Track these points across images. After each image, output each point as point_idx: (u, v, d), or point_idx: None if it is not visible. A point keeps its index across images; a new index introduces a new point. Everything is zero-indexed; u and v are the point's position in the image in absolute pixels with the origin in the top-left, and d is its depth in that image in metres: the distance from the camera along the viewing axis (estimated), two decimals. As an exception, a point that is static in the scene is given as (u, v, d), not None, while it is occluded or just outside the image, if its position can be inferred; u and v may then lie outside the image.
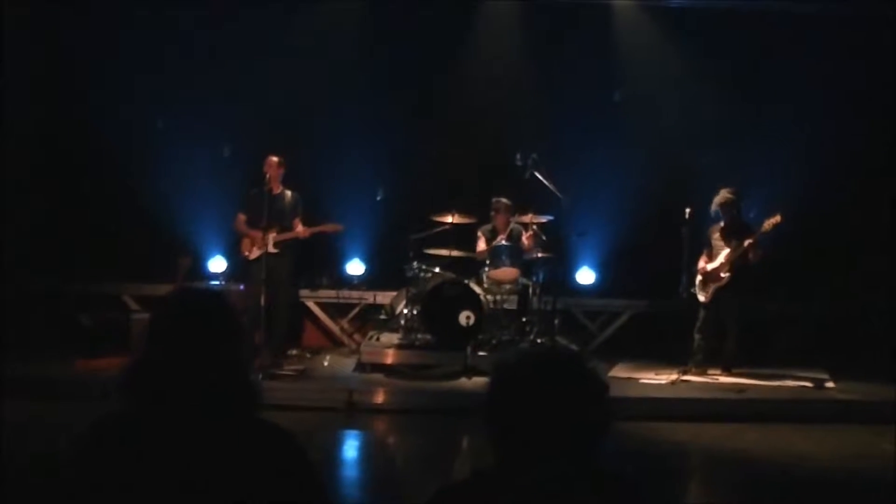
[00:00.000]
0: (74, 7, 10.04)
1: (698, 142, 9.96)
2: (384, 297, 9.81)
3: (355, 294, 10.18)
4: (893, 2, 9.50)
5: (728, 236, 8.51)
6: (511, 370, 1.92)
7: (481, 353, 8.50)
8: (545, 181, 8.83)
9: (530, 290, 9.12)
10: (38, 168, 10.07)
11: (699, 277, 8.67)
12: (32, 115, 9.97)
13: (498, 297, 9.05)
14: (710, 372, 8.61)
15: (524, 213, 9.09)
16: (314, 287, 10.18)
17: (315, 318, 10.24)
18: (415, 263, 8.91)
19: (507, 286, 9.03)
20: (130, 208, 10.00)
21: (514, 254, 8.89)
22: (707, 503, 5.97)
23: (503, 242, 9.03)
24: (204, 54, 9.92)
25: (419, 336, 8.81)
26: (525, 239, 9.13)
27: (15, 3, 9.57)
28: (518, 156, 8.91)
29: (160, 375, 2.02)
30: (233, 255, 9.65)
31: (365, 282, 10.38)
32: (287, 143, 9.23)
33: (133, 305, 9.70)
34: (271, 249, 8.54)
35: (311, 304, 10.17)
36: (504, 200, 9.17)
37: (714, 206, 8.59)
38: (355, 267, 10.50)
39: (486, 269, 8.90)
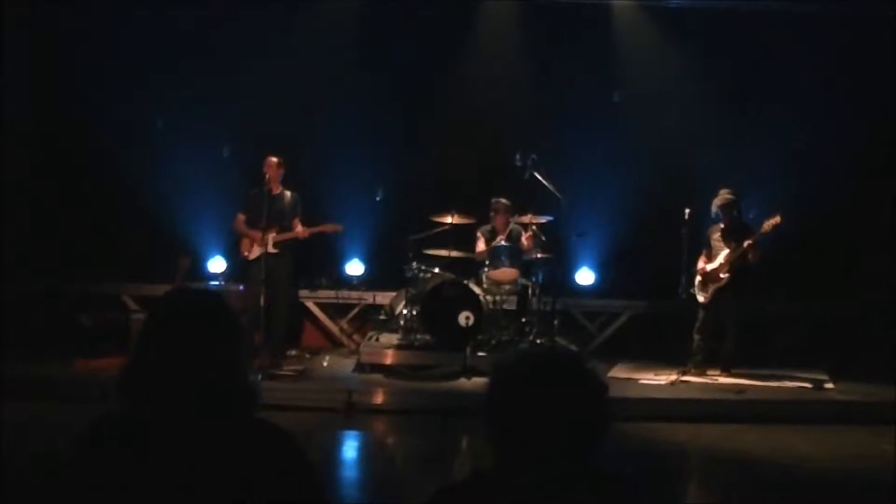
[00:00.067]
0: (74, 7, 10.04)
1: (698, 142, 9.95)
2: (384, 298, 9.81)
3: (355, 294, 10.17)
4: (893, 2, 9.50)
5: (728, 237, 8.51)
6: (510, 371, 1.92)
7: (481, 354, 8.50)
8: (545, 181, 8.83)
9: (530, 291, 9.11)
10: (38, 168, 10.08)
11: (698, 278, 8.67)
12: (32, 115, 9.97)
13: (497, 298, 9.04)
14: (709, 372, 8.61)
15: (523, 213, 9.08)
16: (314, 287, 10.18)
17: (314, 319, 10.24)
18: (414, 264, 8.91)
19: (507, 287, 9.02)
20: (130, 208, 10.00)
21: (514, 254, 8.89)
22: (706, 504, 5.98)
23: (502, 243, 9.03)
24: (204, 54, 9.91)
25: (418, 336, 8.81)
26: (524, 239, 9.13)
27: (15, 3, 9.57)
28: (518, 156, 8.91)
29: (157, 376, 2.02)
30: (232, 255, 9.65)
31: (364, 282, 10.37)
32: (287, 143, 9.23)
33: (133, 305, 9.69)
34: (271, 249, 8.54)
35: (310, 305, 10.17)
36: (503, 201, 9.16)
37: (714, 207, 8.59)
38: (355, 267, 10.50)
39: (486, 269, 8.90)
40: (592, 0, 10.37)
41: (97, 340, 8.57)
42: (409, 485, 6.06)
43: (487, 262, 8.91)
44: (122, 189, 9.97)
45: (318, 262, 10.16)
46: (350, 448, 7.40)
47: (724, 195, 8.55)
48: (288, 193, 8.85)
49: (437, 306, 8.60)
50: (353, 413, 7.59)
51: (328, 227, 8.97)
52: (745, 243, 8.30)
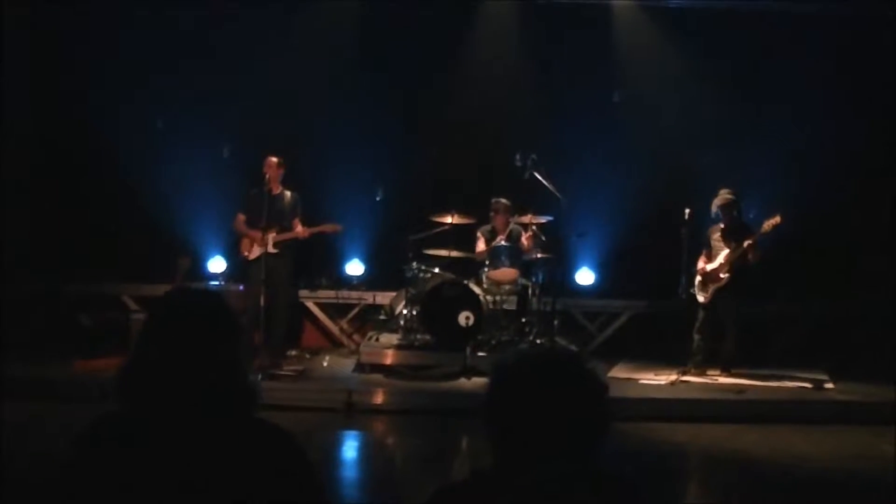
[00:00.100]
0: (74, 7, 10.04)
1: (698, 142, 9.96)
2: (384, 298, 9.81)
3: (355, 294, 10.17)
4: (893, 2, 9.51)
5: (728, 237, 8.51)
6: (510, 371, 1.92)
7: (480, 354, 8.50)
8: (544, 182, 8.83)
9: (530, 291, 9.11)
10: (38, 168, 10.07)
11: (698, 278, 8.67)
12: (32, 115, 9.97)
13: (497, 298, 9.04)
14: (709, 372, 8.61)
15: (523, 213, 9.08)
16: (314, 287, 10.18)
17: (314, 319, 10.24)
18: (414, 264, 8.91)
19: (507, 287, 9.02)
20: (130, 208, 10.00)
21: (514, 254, 8.89)
22: (706, 504, 5.98)
23: (502, 243, 9.03)
24: (204, 54, 9.91)
25: (418, 336, 8.81)
26: (524, 239, 9.13)
27: (15, 3, 9.57)
28: (518, 156, 8.91)
29: (156, 376, 2.02)
30: (232, 255, 9.65)
31: (364, 282, 10.38)
32: (287, 143, 9.23)
33: (132, 306, 9.69)
34: (271, 250, 8.54)
35: (310, 305, 10.17)
36: (503, 201, 9.16)
37: (714, 207, 8.59)
38: (355, 267, 10.51)
39: (486, 269, 8.90)
40: (592, 0, 10.37)
41: (97, 340, 8.57)
42: (409, 485, 6.06)
43: (487, 262, 8.91)
44: (122, 189, 9.97)
45: (318, 262, 10.16)
46: (350, 448, 7.40)
47: (724, 195, 8.55)
48: (288, 193, 8.85)
49: (437, 306, 8.60)
50: (353, 413, 7.59)
51: (328, 227, 8.97)
52: (745, 243, 8.30)
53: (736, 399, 8.02)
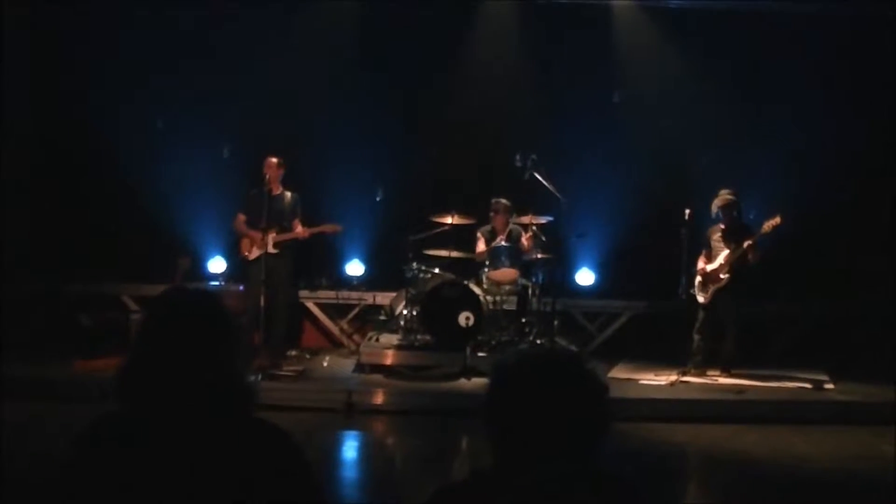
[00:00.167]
0: (74, 7, 10.04)
1: (698, 142, 9.96)
2: (384, 298, 9.81)
3: (355, 295, 10.17)
4: (893, 2, 9.51)
5: (728, 237, 8.51)
6: (510, 371, 1.92)
7: (481, 354, 8.50)
8: (545, 182, 8.83)
9: (530, 291, 9.11)
10: (38, 168, 10.07)
11: (698, 278, 8.67)
12: (32, 115, 9.97)
13: (497, 298, 9.04)
14: (709, 373, 8.61)
15: (523, 213, 9.09)
16: (314, 288, 10.18)
17: (314, 319, 10.24)
18: (414, 264, 8.91)
19: (507, 287, 9.02)
20: (130, 208, 10.00)
21: (514, 255, 8.89)
22: (706, 504, 5.97)
23: (502, 243, 9.02)
24: (204, 54, 9.91)
25: (418, 337, 8.81)
26: (524, 240, 9.13)
27: (15, 3, 9.57)
28: (518, 157, 8.91)
29: (153, 376, 2.02)
30: (232, 255, 9.64)
31: (364, 282, 10.37)
32: (287, 143, 9.23)
33: (132, 306, 9.69)
34: (271, 250, 8.54)
35: (310, 305, 10.17)
36: (503, 201, 9.16)
37: (714, 208, 8.58)
38: (355, 268, 10.51)
39: (486, 269, 8.90)
40: (592, 0, 10.37)
41: (97, 340, 8.56)
42: (409, 485, 6.06)
43: (487, 263, 8.91)
44: (122, 189, 9.97)
45: (318, 262, 10.16)
46: (350, 448, 7.39)
47: (724, 195, 8.55)
48: (288, 194, 8.85)
49: (437, 307, 8.59)
50: (352, 413, 7.58)
51: (328, 228, 8.97)
52: (745, 244, 8.30)
53: (736, 399, 8.02)
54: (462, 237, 9.21)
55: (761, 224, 8.22)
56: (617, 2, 10.44)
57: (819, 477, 6.26)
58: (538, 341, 8.80)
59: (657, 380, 8.52)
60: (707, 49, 10.09)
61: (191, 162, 9.85)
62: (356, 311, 10.18)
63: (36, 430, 6.47)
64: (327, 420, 7.43)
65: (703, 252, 8.71)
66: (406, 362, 8.69)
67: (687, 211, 8.52)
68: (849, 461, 6.59)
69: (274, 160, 8.65)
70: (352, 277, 10.47)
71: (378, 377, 8.47)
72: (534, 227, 9.03)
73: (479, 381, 8.07)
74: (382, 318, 9.66)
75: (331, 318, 10.22)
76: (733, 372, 8.64)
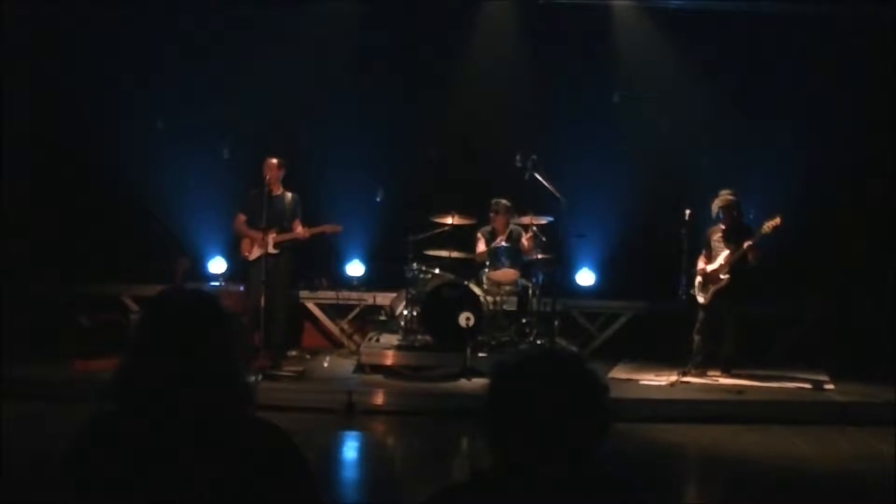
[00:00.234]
0: (74, 7, 10.03)
1: (698, 142, 9.96)
2: (384, 299, 9.81)
3: (355, 295, 10.17)
4: (893, 2, 9.50)
5: (728, 238, 8.51)
6: (510, 371, 1.92)
7: (481, 355, 8.49)
8: (545, 182, 8.83)
9: (530, 292, 9.11)
10: (38, 168, 10.07)
11: (698, 279, 8.67)
12: (32, 115, 9.96)
13: (497, 299, 9.04)
14: (709, 373, 8.61)
15: (524, 214, 9.09)
16: (314, 288, 10.18)
17: (315, 319, 10.24)
18: (414, 265, 8.90)
19: (507, 287, 9.03)
20: (130, 209, 9.99)
21: (514, 255, 8.88)
22: (706, 504, 5.97)
23: (503, 244, 9.02)
24: (204, 54, 9.91)
25: (419, 337, 8.80)
26: (524, 240, 9.13)
27: (15, 3, 9.57)
28: (518, 157, 8.90)
29: (148, 377, 2.02)
30: (233, 255, 9.64)
31: (364, 283, 10.37)
32: (287, 143, 9.23)
33: (133, 306, 9.69)
34: (271, 250, 8.54)
35: (310, 306, 10.17)
36: (503, 202, 9.16)
37: (715, 208, 8.58)
38: (355, 268, 10.50)
39: (486, 270, 8.90)
40: (592, 0, 10.37)
41: (97, 341, 8.55)
42: (409, 485, 6.06)
43: (487, 263, 8.91)
44: (122, 189, 9.95)
45: (318, 262, 10.15)
46: (350, 449, 7.39)
47: (724, 196, 8.55)
48: (289, 195, 8.85)
49: (438, 307, 8.59)
50: (353, 414, 7.59)
51: (328, 228, 8.97)
52: (745, 245, 8.30)
53: (736, 399, 8.02)
54: (462, 238, 9.20)
55: (761, 224, 8.22)
56: (617, 2, 10.44)
57: (819, 477, 6.26)
58: (538, 342, 8.81)
59: (657, 380, 8.52)
60: (707, 49, 10.08)
61: (191, 162, 9.85)
62: (356, 311, 10.17)
63: (35, 430, 6.46)
64: (327, 420, 7.43)
65: (703, 252, 8.71)
66: (406, 363, 8.69)
67: (687, 211, 8.52)
68: (848, 461, 6.59)
69: (274, 161, 8.65)
70: (352, 278, 10.46)
71: (378, 377, 8.47)
72: (534, 228, 9.03)
73: (479, 382, 8.07)
74: (382, 318, 9.66)
75: (331, 318, 10.22)
76: (733, 372, 8.64)
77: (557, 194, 8.84)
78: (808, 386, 8.56)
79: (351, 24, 10.22)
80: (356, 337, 10.08)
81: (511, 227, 9.23)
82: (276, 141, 9.20)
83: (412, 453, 7.09)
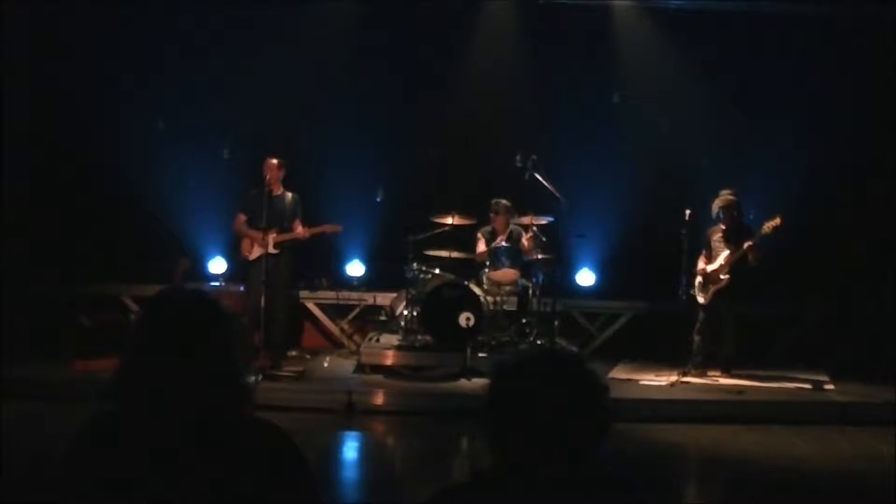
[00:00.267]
0: (74, 7, 10.03)
1: (698, 142, 9.96)
2: (384, 299, 9.81)
3: (355, 295, 10.17)
4: (893, 2, 9.51)
5: (729, 238, 8.51)
6: (510, 371, 1.92)
7: (481, 355, 8.49)
8: (545, 183, 8.83)
9: (530, 292, 9.12)
10: (38, 168, 10.07)
11: (698, 279, 8.67)
12: (32, 115, 9.96)
13: (498, 299, 9.04)
14: (709, 373, 8.61)
15: (524, 214, 9.09)
16: (314, 288, 10.18)
17: (315, 320, 10.24)
18: (415, 265, 8.90)
19: (507, 287, 9.03)
20: (130, 209, 9.99)
21: (514, 255, 8.88)
22: (706, 504, 5.97)
23: (503, 244, 9.02)
24: (204, 54, 9.91)
25: (419, 337, 8.80)
26: (525, 240, 9.13)
27: (15, 3, 9.57)
28: (518, 157, 8.90)
29: (147, 376, 2.02)
30: (233, 255, 9.64)
31: (365, 283, 10.37)
32: (287, 143, 9.22)
33: (133, 306, 9.69)
34: (271, 250, 8.54)
35: (310, 306, 10.17)
36: (503, 202, 9.16)
37: (715, 208, 8.58)
38: (355, 268, 10.50)
39: (486, 270, 8.90)
40: (592, 0, 10.37)
41: (97, 341, 8.55)
42: (409, 485, 6.06)
43: (488, 263, 8.91)
44: (123, 189, 9.95)
45: (318, 262, 10.15)
46: (350, 449, 7.39)
47: (724, 196, 8.55)
48: (289, 195, 8.85)
49: (438, 307, 8.59)
50: (353, 414, 7.59)
51: (328, 228, 8.97)
52: (745, 245, 8.30)
53: (736, 400, 8.02)
54: (462, 238, 9.21)
55: (761, 225, 8.22)
56: (617, 2, 10.44)
57: (819, 477, 6.26)
58: (538, 342, 8.81)
59: (657, 380, 8.52)
60: (707, 49, 10.08)
61: (191, 162, 9.85)
62: (356, 311, 10.17)
63: (35, 430, 6.46)
64: (328, 420, 7.43)
65: (703, 252, 8.71)
66: (406, 363, 8.69)
67: (687, 211, 8.52)
68: (848, 462, 6.59)
69: (274, 161, 8.65)
70: (352, 278, 10.46)
71: (378, 377, 8.47)
72: (534, 228, 9.03)
73: (479, 382, 8.07)
74: (383, 318, 9.66)
75: (331, 318, 10.22)
76: (733, 372, 8.65)
77: (557, 194, 8.84)
78: (808, 386, 8.56)
79: (351, 24, 10.22)
80: (356, 337, 10.08)
81: (511, 227, 9.23)
82: (276, 141, 9.20)
83: (412, 453, 7.09)
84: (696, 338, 8.68)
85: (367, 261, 10.47)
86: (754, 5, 10.15)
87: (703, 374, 8.57)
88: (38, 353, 8.56)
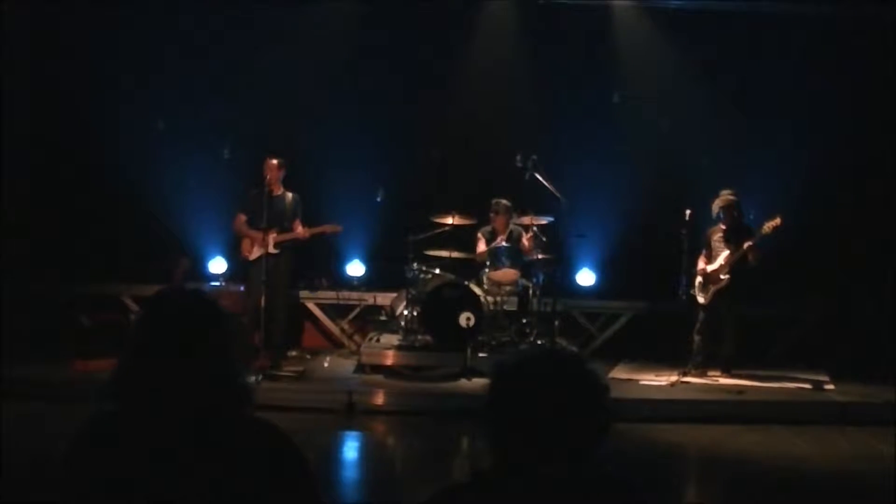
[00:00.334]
0: (74, 7, 10.03)
1: (698, 142, 9.96)
2: (384, 299, 9.81)
3: (355, 295, 10.16)
4: (893, 2, 9.51)
5: (729, 238, 8.51)
6: (511, 371, 1.92)
7: (481, 355, 8.49)
8: (545, 183, 8.83)
9: (530, 292, 9.12)
10: (38, 168, 10.07)
11: (698, 279, 8.67)
12: (32, 115, 9.97)
13: (498, 299, 9.04)
14: (709, 373, 8.61)
15: (524, 214, 9.09)
16: (314, 288, 10.18)
17: (315, 320, 10.24)
18: (415, 265, 8.90)
19: (507, 287, 9.03)
20: (130, 209, 9.99)
21: (514, 255, 8.88)
22: (706, 504, 5.97)
23: (503, 244, 9.02)
24: (204, 54, 9.91)
25: (419, 337, 8.80)
26: (525, 240, 9.13)
27: (15, 3, 9.57)
28: (518, 157, 8.91)
29: (145, 377, 2.02)
30: (233, 255, 9.64)
31: (365, 283, 10.37)
32: (287, 143, 9.22)
33: (133, 306, 9.69)
34: (271, 250, 8.54)
35: (311, 306, 10.17)
36: (504, 202, 9.16)
37: (716, 208, 8.59)
38: (355, 268, 10.50)
39: (486, 270, 8.89)
40: (592, 0, 10.37)
41: (97, 341, 8.55)
42: (409, 485, 6.06)
43: (488, 263, 8.91)
44: (123, 189, 9.95)
45: (318, 262, 10.15)
46: (350, 449, 7.39)
47: (725, 196, 8.55)
48: (289, 195, 8.85)
49: (438, 307, 8.59)
50: (353, 414, 7.59)
51: (328, 228, 8.97)
52: (746, 245, 8.30)
53: (736, 399, 8.02)
54: (462, 238, 9.20)
55: (761, 225, 8.22)
56: (617, 2, 10.44)
57: (819, 477, 6.26)
58: (539, 342, 8.81)
59: (657, 380, 8.52)
60: (707, 49, 10.08)
61: (191, 162, 9.85)
62: (357, 311, 10.17)
63: (35, 430, 6.46)
64: (328, 420, 7.43)
65: (703, 252, 8.71)
66: (406, 363, 8.69)
67: (687, 211, 8.52)
68: (848, 462, 6.59)
69: (274, 162, 8.65)
70: (352, 278, 10.46)
71: (378, 378, 8.47)
72: (534, 228, 9.04)
73: (479, 382, 8.07)
74: (383, 318, 9.66)
75: (331, 318, 10.22)
76: (733, 372, 8.65)
77: (558, 194, 8.84)
78: (808, 386, 8.56)
79: (351, 24, 10.22)
80: (356, 337, 10.08)
81: (511, 227, 9.23)
82: (276, 141, 9.20)
83: (412, 453, 7.09)
84: (697, 338, 8.68)
85: (368, 261, 10.47)
86: (754, 5, 10.15)
87: (703, 374, 8.57)
88: (38, 353, 8.56)
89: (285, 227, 8.72)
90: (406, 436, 7.43)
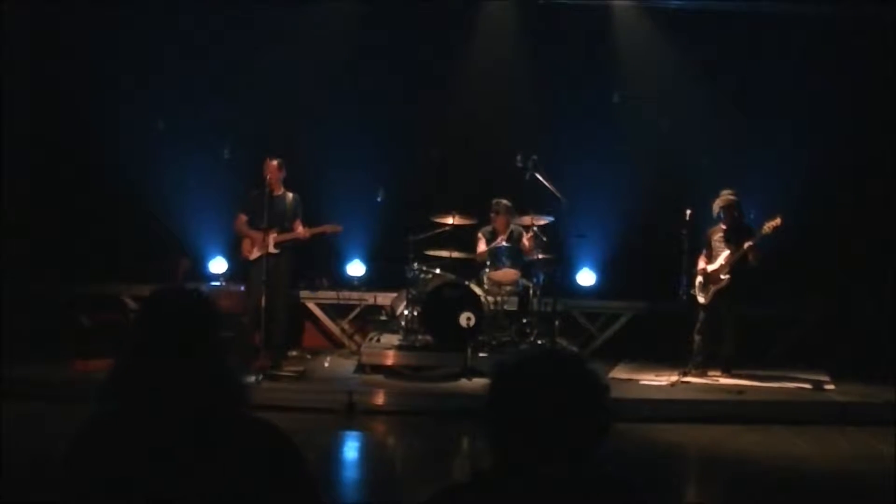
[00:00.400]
0: (74, 7, 10.03)
1: (698, 142, 9.96)
2: (384, 299, 9.81)
3: (355, 295, 10.16)
4: (892, 3, 9.51)
5: (729, 238, 8.51)
6: (511, 371, 1.92)
7: (481, 355, 8.49)
8: (545, 183, 8.83)
9: (530, 292, 9.12)
10: (38, 168, 10.07)
11: (699, 279, 8.67)
12: (32, 115, 9.97)
13: (498, 299, 9.04)
14: (709, 373, 8.61)
15: (524, 214, 9.09)
16: (314, 288, 10.18)
17: (315, 320, 10.24)
18: (415, 265, 8.90)
19: (508, 287, 9.03)
20: (131, 209, 9.99)
21: (515, 255, 8.88)
22: (706, 504, 5.97)
23: (503, 244, 9.02)
24: (204, 54, 9.91)
25: (419, 337, 8.80)
26: (525, 240, 9.13)
27: (15, 3, 9.57)
28: (518, 157, 8.91)
29: (143, 376, 2.02)
30: (233, 255, 9.64)
31: (365, 283, 10.37)
32: (287, 143, 9.22)
33: (133, 306, 9.68)
34: (272, 250, 8.54)
35: (311, 306, 10.17)
36: (504, 202, 9.16)
37: (716, 208, 8.59)
38: (355, 268, 10.50)
39: (487, 270, 8.89)
40: (592, 0, 10.37)
41: (97, 341, 8.55)
42: (409, 485, 6.06)
43: (488, 263, 8.91)
44: (123, 189, 9.96)
45: (318, 262, 10.15)
46: (351, 449, 7.39)
47: (725, 196, 8.55)
48: (290, 195, 8.85)
49: (438, 307, 8.59)
50: (353, 414, 7.59)
51: (329, 228, 8.97)
52: (746, 245, 8.30)
53: (736, 399, 8.02)
54: (463, 238, 9.20)
55: (762, 225, 8.22)
56: (617, 2, 10.44)
57: (819, 477, 6.26)
58: (539, 342, 8.81)
59: (658, 380, 8.52)
60: (707, 49, 10.08)
61: (191, 162, 9.85)
62: (357, 311, 10.17)
63: (35, 430, 6.46)
64: (328, 420, 7.42)
65: (704, 252, 8.71)
66: (407, 363, 8.69)
67: (687, 211, 8.52)
68: (848, 462, 6.59)
69: (274, 162, 8.65)
70: (353, 278, 10.46)
71: (379, 378, 8.47)
72: (534, 228, 9.04)
73: (479, 382, 8.07)
74: (383, 318, 9.66)
75: (331, 318, 10.22)
76: (733, 372, 8.65)
77: (558, 194, 8.84)
78: (808, 386, 8.56)
79: (351, 24, 10.22)
80: (357, 337, 10.08)
81: (512, 227, 9.23)
82: (276, 141, 9.20)
83: (412, 453, 7.09)
84: (697, 338, 8.68)
85: (368, 261, 10.47)
86: (754, 5, 10.15)
87: (703, 374, 8.57)
88: (38, 353, 8.56)
89: (286, 228, 8.73)
90: (406, 436, 7.43)
